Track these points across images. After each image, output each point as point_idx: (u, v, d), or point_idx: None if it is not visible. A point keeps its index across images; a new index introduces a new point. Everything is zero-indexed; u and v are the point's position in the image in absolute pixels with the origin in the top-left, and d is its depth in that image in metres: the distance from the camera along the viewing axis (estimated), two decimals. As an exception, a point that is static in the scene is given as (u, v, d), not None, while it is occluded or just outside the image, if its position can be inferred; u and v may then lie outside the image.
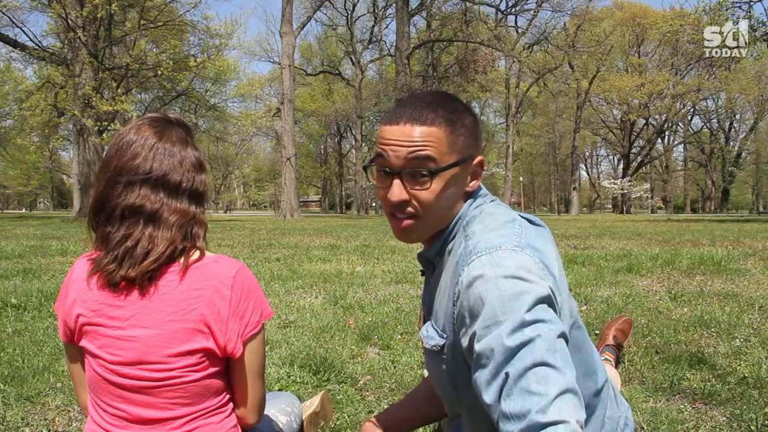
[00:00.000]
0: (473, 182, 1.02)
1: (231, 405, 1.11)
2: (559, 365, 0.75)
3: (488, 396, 0.78)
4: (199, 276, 1.03)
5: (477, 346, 0.80)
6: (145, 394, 1.02)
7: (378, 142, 1.01)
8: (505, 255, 0.86)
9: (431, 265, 1.08)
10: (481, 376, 0.79)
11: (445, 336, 0.97)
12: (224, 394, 1.09)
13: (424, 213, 0.97)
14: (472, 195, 1.03)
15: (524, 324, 0.77)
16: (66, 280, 1.10)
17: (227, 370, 1.09)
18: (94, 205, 1.05)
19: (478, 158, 1.02)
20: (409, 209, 0.98)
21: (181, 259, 1.03)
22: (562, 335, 0.79)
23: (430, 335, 1.00)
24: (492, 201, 1.04)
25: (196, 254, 1.06)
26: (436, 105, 0.98)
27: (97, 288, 1.02)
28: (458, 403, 1.02)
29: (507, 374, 0.75)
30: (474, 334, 0.82)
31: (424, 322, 1.09)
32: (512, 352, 0.76)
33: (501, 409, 0.75)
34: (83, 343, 1.05)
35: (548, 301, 0.82)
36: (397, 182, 0.97)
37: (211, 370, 1.04)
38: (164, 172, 1.03)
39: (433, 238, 1.04)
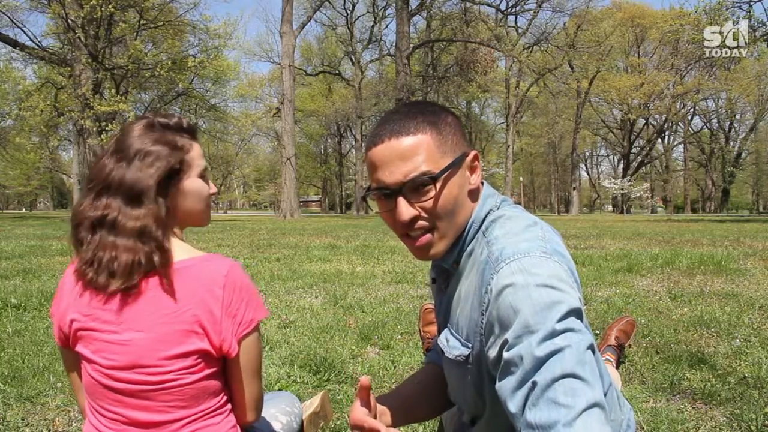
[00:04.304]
0: (473, 177, 0.99)
1: (229, 405, 1.11)
2: (588, 378, 0.73)
3: (513, 404, 0.76)
4: (190, 276, 1.02)
5: (506, 354, 0.79)
6: (142, 398, 1.01)
7: (369, 173, 0.97)
8: (535, 262, 0.83)
9: (446, 272, 1.05)
10: (507, 383, 0.78)
11: (470, 345, 0.94)
12: (222, 395, 1.08)
13: (437, 222, 0.94)
14: (478, 194, 1.01)
15: (555, 333, 0.76)
16: (60, 285, 1.10)
17: (224, 369, 1.08)
18: (72, 213, 1.07)
19: (472, 153, 0.99)
20: (421, 223, 0.94)
21: (164, 261, 1.01)
22: (591, 347, 0.78)
23: (453, 345, 0.98)
24: (504, 201, 1.02)
25: (180, 253, 1.04)
26: (414, 112, 0.95)
27: (87, 292, 1.02)
28: (482, 411, 1.00)
29: (534, 383, 0.74)
30: (505, 343, 0.80)
31: (440, 330, 1.07)
32: (541, 362, 0.74)
33: (526, 419, 0.74)
34: (78, 348, 1.05)
35: (578, 312, 0.80)
36: (401, 201, 0.93)
37: (208, 371, 1.03)
38: (121, 178, 1.03)
39: (450, 247, 1.00)
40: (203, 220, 1.17)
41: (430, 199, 0.92)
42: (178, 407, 1.02)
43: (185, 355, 1.00)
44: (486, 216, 0.99)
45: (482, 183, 1.03)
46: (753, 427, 1.77)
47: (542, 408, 0.72)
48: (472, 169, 0.99)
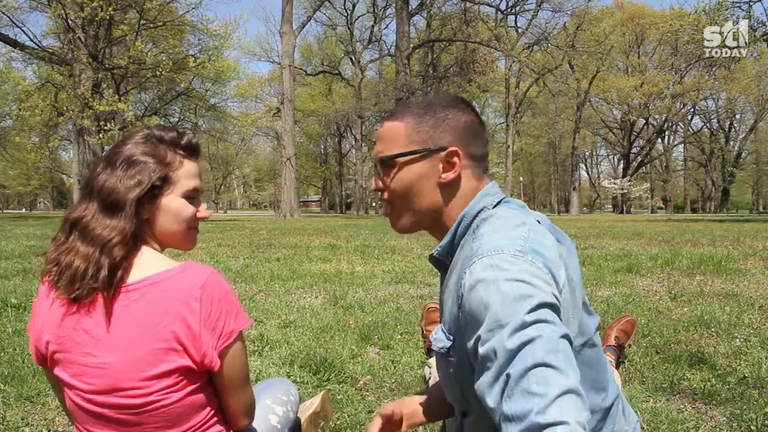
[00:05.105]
0: (447, 174, 1.02)
1: (216, 418, 1.07)
2: (560, 366, 0.73)
3: (491, 398, 0.77)
4: (164, 289, 0.97)
5: (481, 350, 0.80)
6: (126, 421, 0.99)
7: None
8: (507, 258, 0.84)
9: (443, 265, 1.08)
10: (484, 379, 0.79)
11: (451, 338, 0.96)
12: (209, 408, 1.05)
13: (392, 200, 1.07)
14: (453, 189, 1.03)
15: (525, 325, 0.76)
16: (36, 301, 1.06)
17: (210, 380, 1.05)
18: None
19: (450, 149, 1.01)
20: (381, 197, 1.09)
21: (110, 280, 0.97)
22: (566, 336, 0.78)
23: (438, 337, 1.00)
24: (506, 201, 1.03)
25: (156, 265, 1.01)
26: (417, 102, 1.07)
27: (56, 306, 0.99)
28: (467, 404, 1.02)
29: (508, 375, 0.75)
30: (479, 338, 0.81)
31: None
32: (513, 353, 0.75)
33: (503, 411, 0.74)
34: (57, 371, 1.02)
35: (551, 306, 0.80)
36: (375, 173, 1.10)
37: (192, 387, 1.01)
38: (103, 184, 1.01)
39: (441, 238, 1.05)
40: (181, 242, 1.10)
41: (386, 177, 1.06)
42: (164, 427, 1.00)
43: (166, 374, 0.97)
44: (478, 213, 1.02)
45: (489, 181, 1.08)
46: (753, 427, 1.77)
47: (517, 399, 0.72)
48: (449, 165, 1.03)
